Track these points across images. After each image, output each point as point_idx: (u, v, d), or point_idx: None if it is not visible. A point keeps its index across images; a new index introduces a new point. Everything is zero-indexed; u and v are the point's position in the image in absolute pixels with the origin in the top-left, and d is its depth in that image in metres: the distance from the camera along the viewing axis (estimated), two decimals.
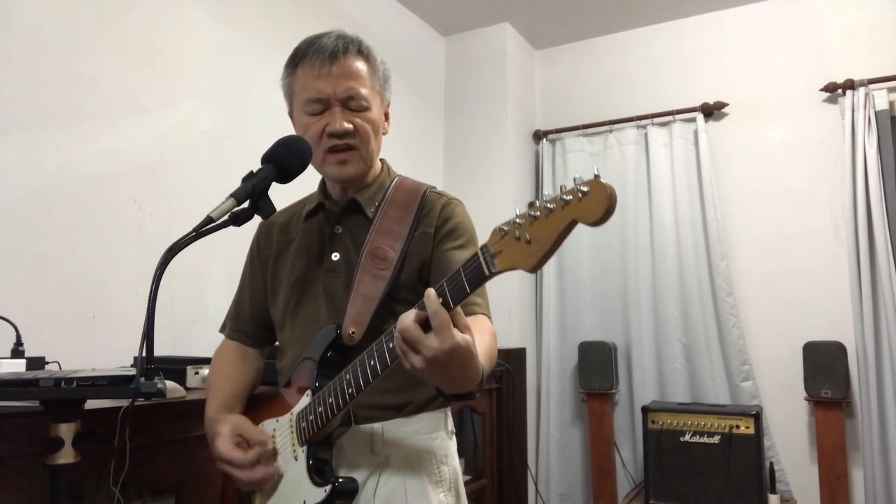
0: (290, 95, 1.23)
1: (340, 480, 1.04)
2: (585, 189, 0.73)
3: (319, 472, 1.06)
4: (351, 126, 1.15)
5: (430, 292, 0.88)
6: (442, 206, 1.21)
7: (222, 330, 1.38)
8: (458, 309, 0.89)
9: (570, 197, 0.75)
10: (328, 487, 1.03)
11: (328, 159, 1.17)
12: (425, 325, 0.87)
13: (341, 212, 1.22)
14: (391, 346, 0.93)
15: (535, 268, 0.79)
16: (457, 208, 1.22)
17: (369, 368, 0.96)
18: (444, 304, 0.87)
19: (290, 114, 1.25)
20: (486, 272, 0.84)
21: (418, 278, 1.17)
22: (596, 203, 0.73)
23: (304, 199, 1.35)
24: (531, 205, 0.79)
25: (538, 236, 0.77)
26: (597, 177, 0.73)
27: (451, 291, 0.87)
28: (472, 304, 1.15)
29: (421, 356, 0.87)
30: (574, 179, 0.75)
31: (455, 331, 0.86)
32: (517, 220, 0.80)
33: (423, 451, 1.15)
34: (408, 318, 0.88)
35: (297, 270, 1.24)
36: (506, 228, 0.81)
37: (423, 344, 0.87)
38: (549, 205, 0.77)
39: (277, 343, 1.33)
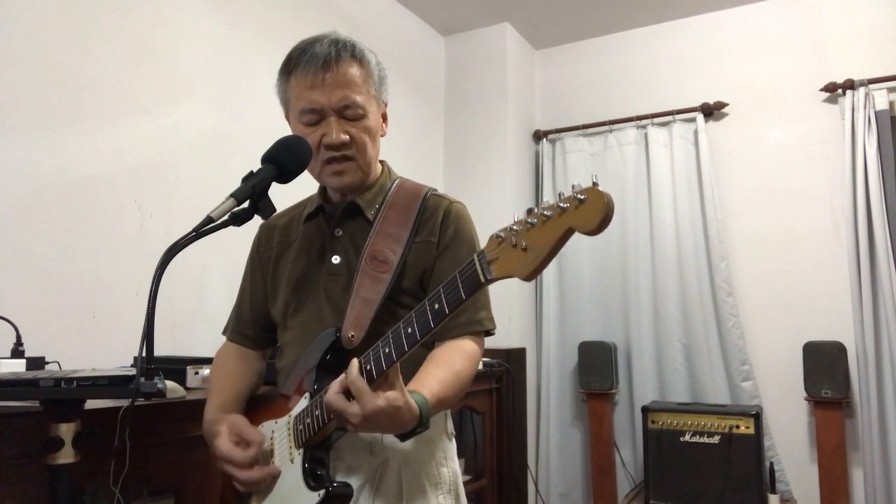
0: (285, 102, 1.22)
1: (334, 485, 1.03)
2: (582, 197, 0.72)
3: (314, 475, 1.05)
4: (347, 137, 1.14)
5: (353, 363, 0.95)
6: (444, 212, 1.19)
7: (224, 332, 1.38)
8: (396, 366, 0.94)
9: (567, 205, 0.74)
10: (322, 492, 1.02)
11: (325, 170, 1.17)
12: (349, 392, 0.94)
13: (341, 215, 1.22)
14: (387, 350, 0.94)
15: (531, 276, 0.78)
16: (459, 214, 1.21)
17: (365, 373, 0.96)
18: (387, 357, 0.92)
19: (287, 118, 1.24)
20: (482, 279, 0.83)
21: (420, 286, 1.17)
22: (593, 211, 0.72)
23: (303, 202, 1.34)
24: (529, 212, 0.78)
25: (534, 244, 0.77)
26: (595, 184, 0.72)
27: (447, 298, 0.88)
28: (470, 322, 1.15)
29: (349, 423, 0.95)
30: (572, 186, 0.74)
31: (377, 395, 0.92)
32: (514, 228, 0.79)
33: (422, 453, 1.15)
34: (332, 389, 0.96)
35: (298, 272, 1.23)
36: (503, 235, 0.81)
37: (348, 412, 0.94)
38: (545, 212, 0.76)
39: (278, 343, 1.33)
